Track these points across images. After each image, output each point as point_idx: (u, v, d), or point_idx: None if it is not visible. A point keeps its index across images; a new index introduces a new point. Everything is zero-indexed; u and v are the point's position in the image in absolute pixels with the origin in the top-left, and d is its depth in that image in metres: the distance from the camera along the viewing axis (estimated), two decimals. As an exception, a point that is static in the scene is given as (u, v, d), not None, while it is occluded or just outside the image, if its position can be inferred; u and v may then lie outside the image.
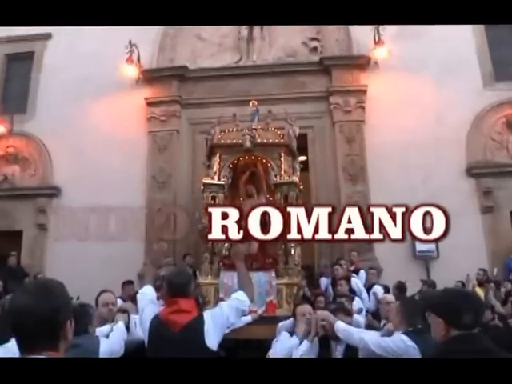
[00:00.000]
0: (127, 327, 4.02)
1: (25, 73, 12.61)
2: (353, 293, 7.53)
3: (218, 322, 3.31)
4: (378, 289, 8.10)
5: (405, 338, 3.52)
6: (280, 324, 4.90)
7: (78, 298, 7.07)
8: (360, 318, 5.08)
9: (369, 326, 5.04)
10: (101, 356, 3.35)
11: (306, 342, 3.99)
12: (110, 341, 3.67)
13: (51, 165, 11.72)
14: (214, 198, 7.32)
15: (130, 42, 10.97)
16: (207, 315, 3.32)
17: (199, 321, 3.25)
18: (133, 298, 5.94)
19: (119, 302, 6.88)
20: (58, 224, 11.29)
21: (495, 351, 2.27)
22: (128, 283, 8.53)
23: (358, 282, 8.13)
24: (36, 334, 1.59)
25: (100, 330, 3.87)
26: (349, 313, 4.35)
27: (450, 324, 2.35)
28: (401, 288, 7.68)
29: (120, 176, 11.02)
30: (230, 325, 3.48)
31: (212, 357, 3.21)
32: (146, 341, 3.41)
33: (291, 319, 4.74)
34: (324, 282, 9.00)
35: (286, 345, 4.23)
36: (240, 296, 3.47)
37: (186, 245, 10.34)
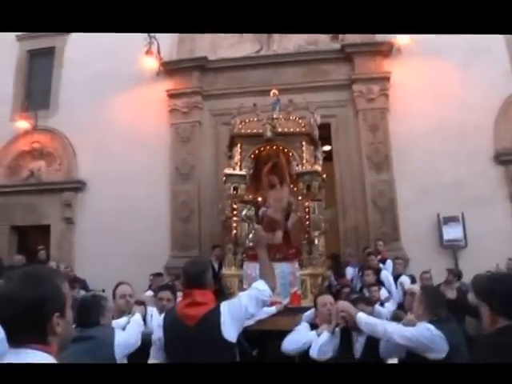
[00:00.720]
0: (144, 319, 3.98)
1: (47, 68, 12.71)
2: (381, 285, 7.45)
3: (236, 313, 3.16)
4: (404, 279, 7.99)
5: (431, 326, 3.43)
6: (303, 315, 4.84)
7: (103, 291, 7.12)
8: (382, 309, 4.99)
9: (394, 318, 4.94)
10: (116, 348, 3.33)
11: (326, 332, 3.93)
12: (127, 333, 3.65)
13: (75, 159, 11.83)
14: (235, 188, 7.27)
15: (149, 35, 10.95)
16: (224, 307, 3.17)
17: (215, 313, 3.12)
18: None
19: (149, 293, 6.95)
20: (84, 218, 11.42)
21: None
22: (157, 275, 8.57)
23: (388, 274, 8.01)
24: (19, 324, 1.50)
25: (117, 322, 3.86)
26: (370, 302, 4.26)
27: (495, 312, 2.23)
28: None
29: (143, 168, 11.08)
30: (249, 316, 3.31)
31: (229, 350, 3.12)
32: (156, 336, 3.30)
33: (313, 309, 4.69)
34: (350, 271, 8.92)
35: (301, 336, 4.18)
36: (260, 285, 3.30)
37: (210, 236, 10.37)
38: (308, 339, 4.08)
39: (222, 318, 3.09)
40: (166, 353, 3.20)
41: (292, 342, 4.20)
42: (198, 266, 3.37)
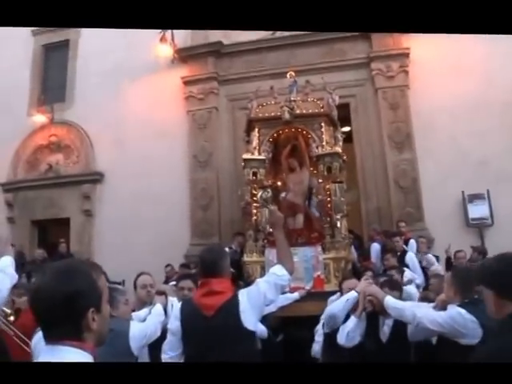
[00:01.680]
0: (165, 310, 3.88)
1: (62, 62, 12.73)
2: (406, 267, 7.26)
3: (255, 301, 3.05)
4: (429, 257, 7.81)
5: (462, 311, 3.27)
6: (329, 299, 4.73)
7: (123, 283, 7.11)
8: (412, 290, 4.84)
9: (423, 299, 4.78)
10: (131, 339, 3.25)
11: (353, 317, 3.81)
12: (145, 324, 3.58)
13: (93, 151, 11.82)
14: (255, 173, 7.16)
15: (162, 22, 10.80)
16: (242, 295, 3.06)
17: (234, 302, 3.01)
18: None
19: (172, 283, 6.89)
20: (103, 209, 11.42)
21: None
22: (184, 266, 8.52)
23: (413, 256, 7.79)
24: (53, 319, 1.43)
25: (137, 314, 3.81)
26: (396, 286, 4.11)
27: (502, 296, 2.01)
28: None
29: (161, 158, 11.01)
30: (268, 302, 3.20)
31: (250, 338, 3.03)
32: (173, 327, 3.19)
33: (338, 294, 4.57)
34: (376, 248, 8.67)
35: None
36: (278, 270, 3.17)
37: (230, 223, 10.29)
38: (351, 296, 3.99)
39: (242, 307, 2.99)
40: (184, 344, 3.10)
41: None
42: (214, 254, 3.25)
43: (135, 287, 4.28)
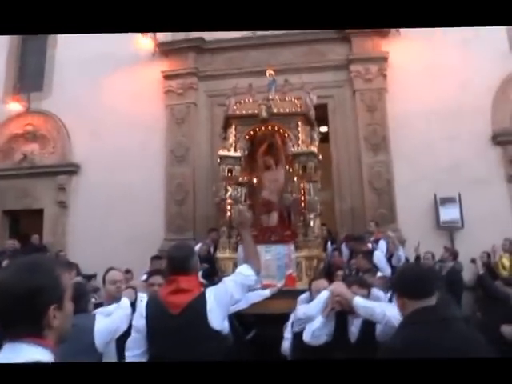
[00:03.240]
0: (134, 305, 3.85)
1: (40, 49, 12.50)
2: (374, 267, 7.36)
3: (222, 300, 3.06)
4: (399, 255, 7.90)
5: None
6: (299, 298, 4.78)
7: (95, 275, 7.09)
8: (380, 293, 4.93)
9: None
10: (96, 334, 3.26)
11: (320, 317, 3.86)
12: (110, 318, 3.57)
13: (69, 141, 11.69)
14: (230, 170, 7.20)
15: (144, 15, 10.73)
16: (210, 293, 3.05)
17: (201, 300, 3.00)
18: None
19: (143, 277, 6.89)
20: (78, 201, 11.33)
21: (457, 321, 2.41)
22: (156, 258, 8.51)
23: (380, 256, 7.89)
24: (13, 316, 1.41)
25: (106, 309, 3.80)
26: (364, 285, 4.17)
27: (403, 297, 2.47)
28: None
29: (138, 151, 10.96)
30: (235, 302, 3.22)
31: (216, 337, 3.01)
32: (138, 325, 3.15)
33: (308, 293, 4.62)
34: (345, 250, 8.82)
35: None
36: (245, 270, 3.20)
37: (205, 219, 10.31)
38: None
39: (209, 306, 2.99)
40: (148, 342, 3.07)
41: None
42: (182, 251, 3.23)
43: (104, 282, 4.27)
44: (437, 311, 2.36)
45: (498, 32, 10.36)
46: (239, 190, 7.26)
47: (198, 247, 8.34)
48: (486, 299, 8.16)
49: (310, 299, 4.35)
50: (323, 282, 4.44)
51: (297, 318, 4.20)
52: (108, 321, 3.52)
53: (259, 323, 5.88)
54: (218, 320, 3.01)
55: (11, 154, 11.91)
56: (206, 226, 9.95)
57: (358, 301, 3.68)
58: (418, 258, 8.41)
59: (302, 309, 4.21)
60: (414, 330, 2.31)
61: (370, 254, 7.61)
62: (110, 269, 4.33)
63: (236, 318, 5.14)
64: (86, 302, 3.33)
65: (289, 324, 4.58)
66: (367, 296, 3.96)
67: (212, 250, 8.59)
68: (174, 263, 3.17)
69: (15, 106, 11.88)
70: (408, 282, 2.51)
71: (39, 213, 11.53)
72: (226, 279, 3.26)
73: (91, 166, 11.36)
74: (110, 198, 10.81)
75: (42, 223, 11.44)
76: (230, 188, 7.23)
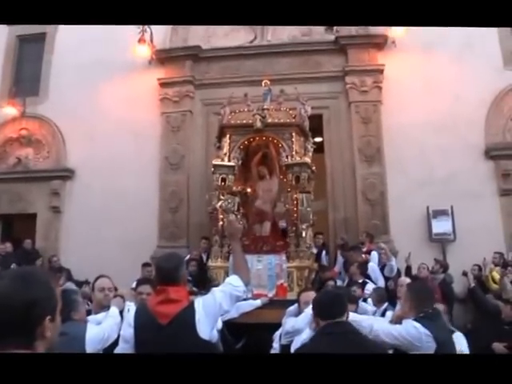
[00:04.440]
0: (122, 313, 3.83)
1: (37, 54, 12.51)
2: (368, 278, 7.40)
3: (211, 310, 3.05)
4: (391, 265, 7.92)
5: (417, 324, 3.39)
6: (287, 310, 4.79)
7: (86, 281, 7.08)
8: (368, 306, 4.95)
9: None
10: (87, 343, 3.25)
11: (308, 330, 3.87)
12: (101, 327, 3.57)
13: (64, 147, 11.67)
14: (223, 179, 7.22)
15: (142, 22, 10.77)
16: (198, 304, 3.04)
17: (189, 311, 2.99)
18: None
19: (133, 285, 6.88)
20: (72, 206, 11.31)
21: (355, 335, 3.02)
22: (147, 265, 8.52)
23: (375, 267, 7.93)
24: (7, 327, 1.40)
25: (94, 318, 3.79)
26: (352, 299, 4.20)
27: (316, 316, 3.11)
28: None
29: (133, 158, 10.96)
30: (223, 312, 3.22)
31: (205, 348, 2.99)
32: (126, 335, 3.13)
33: (296, 304, 4.64)
34: (339, 259, 8.83)
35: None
36: (234, 281, 3.20)
37: (199, 227, 10.31)
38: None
39: (197, 316, 2.98)
40: (136, 352, 3.03)
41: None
42: (171, 262, 3.21)
43: (93, 290, 4.26)
44: (342, 326, 2.99)
45: (492, 47, 10.50)
46: (230, 200, 7.27)
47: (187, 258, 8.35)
48: (477, 312, 8.22)
49: (299, 311, 4.37)
50: (312, 294, 4.45)
51: (285, 331, 4.21)
52: (99, 329, 3.51)
53: (249, 332, 5.89)
54: (206, 330, 3.00)
55: (5, 157, 11.88)
56: (199, 233, 9.96)
57: None
58: (408, 268, 8.44)
59: (290, 322, 4.23)
60: (322, 338, 2.97)
61: (364, 264, 7.66)
62: (99, 276, 4.32)
63: (226, 327, 5.14)
64: (69, 311, 3.30)
65: (277, 334, 4.59)
66: (355, 310, 3.98)
67: (205, 258, 8.61)
68: (162, 274, 3.15)
69: (11, 110, 11.85)
70: (323, 306, 3.11)
71: (32, 217, 11.48)
72: (214, 289, 3.25)
73: (85, 171, 11.34)
74: (103, 204, 10.80)
75: (35, 228, 11.40)
76: (224, 196, 7.26)
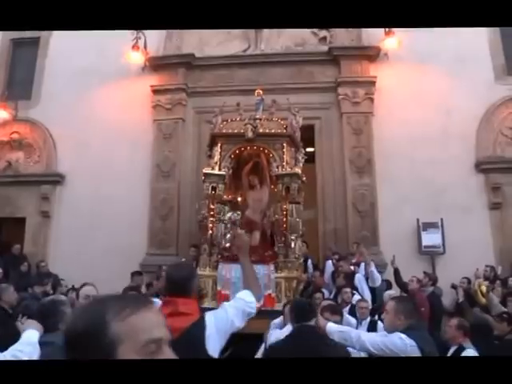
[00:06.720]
0: None
1: (30, 58, 12.48)
2: (355, 289, 7.38)
3: (222, 327, 2.84)
4: (374, 274, 7.85)
5: (403, 335, 3.41)
6: (272, 323, 4.78)
7: (73, 287, 7.03)
8: (352, 320, 4.93)
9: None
10: None
11: (289, 325, 3.90)
12: None
13: (55, 152, 11.63)
14: (214, 188, 7.21)
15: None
16: (210, 318, 2.84)
17: (200, 325, 2.79)
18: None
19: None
20: (61, 212, 11.26)
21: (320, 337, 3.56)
22: (137, 274, 8.47)
23: (362, 279, 7.90)
24: None
25: None
26: (336, 312, 4.21)
27: (294, 321, 3.73)
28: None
29: (124, 164, 10.95)
30: (235, 329, 2.93)
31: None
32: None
33: (281, 317, 4.63)
34: (329, 265, 8.77)
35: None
36: (246, 296, 2.97)
37: (188, 235, 10.29)
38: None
39: (208, 332, 2.77)
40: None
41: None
42: (183, 271, 3.04)
43: (77, 297, 4.24)
44: (309, 328, 3.62)
45: (484, 62, 10.59)
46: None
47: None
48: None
49: (284, 323, 4.36)
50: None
51: (268, 344, 4.20)
52: None
53: (235, 342, 5.85)
54: (215, 347, 2.79)
55: (-4, 161, 11.82)
56: (189, 241, 9.93)
57: (332, 326, 3.72)
58: (396, 271, 8.36)
59: (275, 334, 4.22)
60: (292, 338, 3.63)
61: (352, 275, 7.65)
62: (84, 284, 4.31)
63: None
64: (55, 321, 3.28)
65: (262, 346, 4.58)
66: (340, 322, 4.00)
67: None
68: (173, 284, 2.98)
69: (2, 114, 11.80)
70: (297, 311, 3.74)
71: (21, 222, 11.42)
72: (226, 304, 3.04)
73: (76, 176, 11.31)
74: (93, 210, 10.75)
75: (24, 232, 11.33)
76: (214, 205, 7.25)
